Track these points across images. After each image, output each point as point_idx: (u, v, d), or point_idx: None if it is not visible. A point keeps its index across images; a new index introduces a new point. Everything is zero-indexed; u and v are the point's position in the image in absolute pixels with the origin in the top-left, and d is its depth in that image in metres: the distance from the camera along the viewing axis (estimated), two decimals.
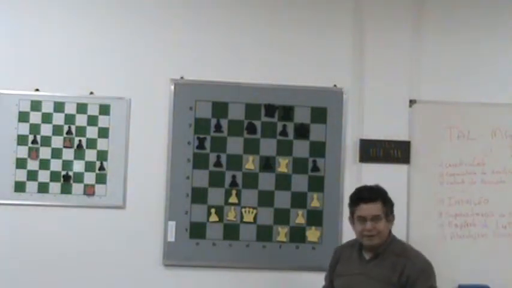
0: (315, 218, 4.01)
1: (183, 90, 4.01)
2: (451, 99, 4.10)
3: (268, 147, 4.02)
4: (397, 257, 3.11)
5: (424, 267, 3.09)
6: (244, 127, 4.02)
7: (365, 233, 3.14)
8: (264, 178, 4.00)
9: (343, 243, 3.34)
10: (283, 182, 4.01)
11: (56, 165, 3.94)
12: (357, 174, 4.01)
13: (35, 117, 3.95)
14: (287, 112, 4.04)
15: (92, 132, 3.97)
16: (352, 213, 3.24)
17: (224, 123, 4.01)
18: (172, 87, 4.00)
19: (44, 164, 3.93)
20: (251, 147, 4.02)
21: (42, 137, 3.95)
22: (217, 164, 3.99)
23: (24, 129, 3.94)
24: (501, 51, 4.17)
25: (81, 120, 3.97)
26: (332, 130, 4.05)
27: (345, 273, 3.24)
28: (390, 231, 3.22)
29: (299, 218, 4.00)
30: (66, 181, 3.94)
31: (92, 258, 3.92)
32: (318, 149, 4.04)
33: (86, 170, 3.95)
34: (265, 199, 4.00)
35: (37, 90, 3.96)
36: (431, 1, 4.15)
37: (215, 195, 3.98)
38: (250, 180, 4.00)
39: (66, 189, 3.94)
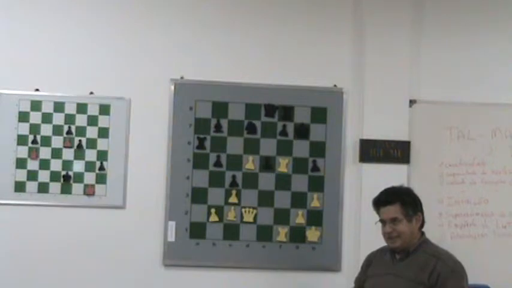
0: (315, 218, 4.01)
1: (183, 90, 4.01)
2: (451, 99, 4.10)
3: (268, 147, 4.02)
4: (428, 256, 3.07)
5: (455, 267, 3.03)
6: (244, 127, 4.02)
7: (386, 235, 3.14)
8: (264, 178, 4.00)
9: (377, 248, 3.35)
10: (283, 182, 4.01)
11: (56, 165, 3.94)
12: (357, 174, 4.01)
13: (35, 117, 3.95)
14: (287, 112, 4.04)
15: (92, 132, 3.97)
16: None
17: (224, 123, 4.01)
18: (172, 87, 4.00)
19: (44, 164, 3.93)
20: (251, 147, 4.02)
21: (42, 137, 3.95)
22: (217, 164, 3.99)
23: (24, 129, 3.94)
24: (501, 51, 4.17)
25: (81, 120, 3.97)
26: (332, 130, 4.05)
27: (375, 274, 3.22)
28: (422, 232, 3.18)
29: (299, 218, 4.00)
30: (66, 181, 3.94)
31: (92, 258, 3.92)
32: (318, 149, 4.04)
33: (86, 170, 3.95)
34: (265, 199, 3.99)
35: (37, 90, 3.96)
36: (431, 1, 4.15)
37: (215, 195, 3.98)
38: (250, 180, 4.00)
39: (66, 189, 3.94)
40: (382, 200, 3.16)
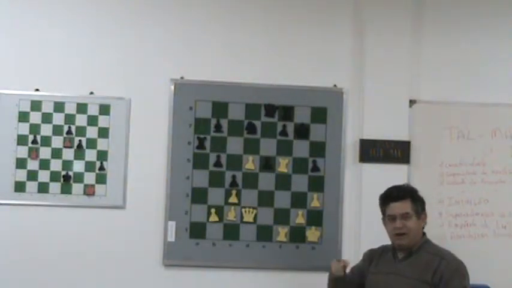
0: (315, 218, 4.01)
1: (183, 90, 4.01)
2: (451, 99, 4.10)
3: (268, 147, 4.02)
4: (431, 256, 3.09)
5: (458, 267, 3.06)
6: (244, 127, 4.02)
7: (395, 231, 3.14)
8: (264, 178, 4.00)
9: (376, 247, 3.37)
10: (283, 182, 4.01)
11: (56, 165, 3.94)
12: (357, 174, 4.01)
13: (35, 117, 3.95)
14: (287, 112, 4.04)
15: (92, 132, 3.97)
16: (383, 213, 3.24)
17: (224, 123, 4.01)
18: (172, 87, 4.00)
19: (44, 164, 3.93)
20: (251, 147, 4.02)
21: (42, 137, 3.95)
22: (217, 164, 3.99)
23: (24, 129, 3.94)
24: (501, 51, 4.16)
25: (81, 120, 3.97)
26: (332, 130, 4.05)
27: (377, 272, 3.24)
28: (424, 233, 3.21)
29: (299, 218, 4.00)
30: (66, 181, 3.94)
31: (92, 258, 3.92)
32: (318, 149, 4.04)
33: (86, 170, 3.95)
34: (265, 199, 3.99)
35: (37, 90, 3.96)
36: (431, 1, 4.15)
37: (215, 195, 3.98)
38: (250, 180, 3.99)
39: (66, 189, 3.94)
40: (393, 195, 3.18)
